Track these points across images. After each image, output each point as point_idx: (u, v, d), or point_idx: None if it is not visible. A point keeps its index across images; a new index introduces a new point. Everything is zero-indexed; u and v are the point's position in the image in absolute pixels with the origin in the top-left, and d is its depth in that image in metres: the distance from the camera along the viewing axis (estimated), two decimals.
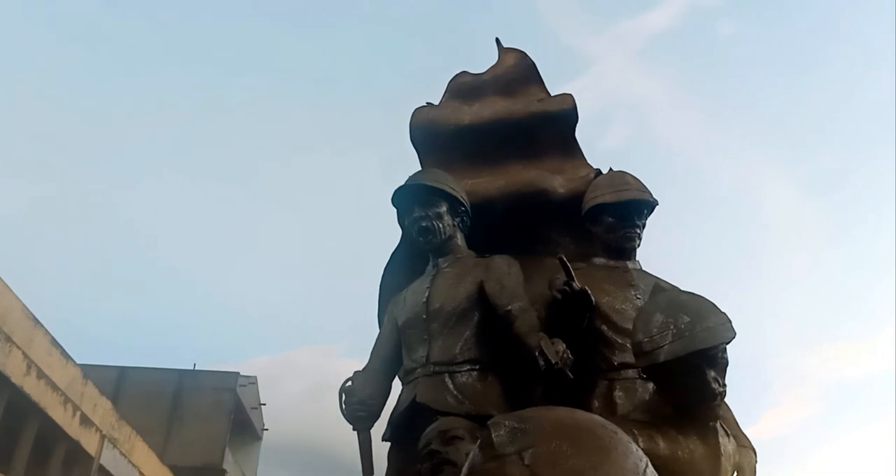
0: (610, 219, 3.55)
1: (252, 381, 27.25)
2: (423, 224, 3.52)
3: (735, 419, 3.19)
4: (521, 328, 3.07)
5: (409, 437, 3.15)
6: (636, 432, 2.24)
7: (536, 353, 2.78)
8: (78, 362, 14.62)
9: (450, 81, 4.55)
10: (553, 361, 2.70)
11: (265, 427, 28.92)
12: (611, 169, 3.83)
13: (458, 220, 3.61)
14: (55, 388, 13.50)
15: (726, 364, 2.46)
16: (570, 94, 4.23)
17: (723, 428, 2.55)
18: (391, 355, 3.50)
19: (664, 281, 3.44)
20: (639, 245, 3.61)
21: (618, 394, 3.13)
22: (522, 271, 3.43)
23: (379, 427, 3.42)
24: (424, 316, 3.37)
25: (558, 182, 3.89)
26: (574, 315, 3.04)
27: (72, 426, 14.09)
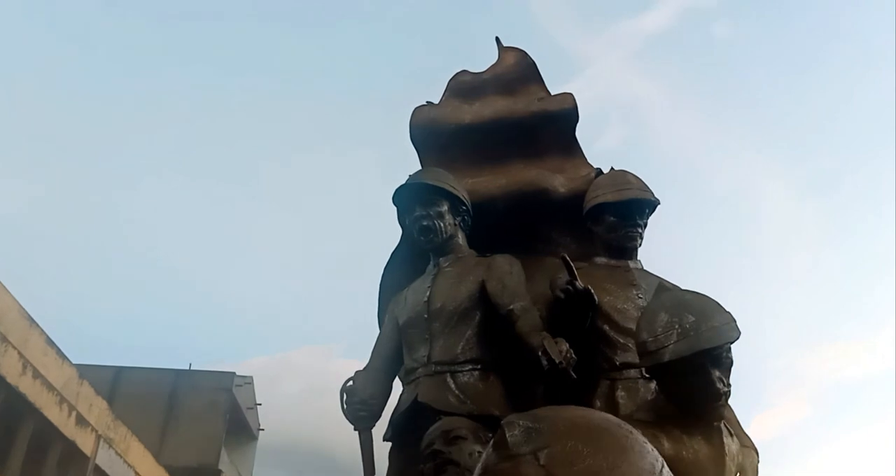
0: (611, 218, 3.53)
1: (248, 382, 27.20)
2: (425, 223, 3.50)
3: (737, 419, 3.18)
4: (523, 328, 3.06)
5: (410, 437, 3.13)
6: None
7: (539, 353, 2.77)
8: (74, 362, 14.57)
9: (450, 80, 4.54)
10: (557, 361, 2.68)
11: (261, 427, 28.87)
12: (612, 168, 3.82)
13: (459, 219, 3.60)
14: (51, 388, 13.46)
15: (731, 364, 2.45)
16: (571, 94, 4.22)
17: (727, 428, 2.55)
18: (392, 355, 3.48)
19: (667, 281, 3.43)
20: (640, 244, 3.60)
21: (620, 394, 3.12)
22: (524, 271, 3.41)
23: (380, 427, 3.40)
24: (426, 315, 3.35)
25: (559, 181, 3.88)
26: (577, 314, 3.03)
27: (67, 426, 14.05)
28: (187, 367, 26.54)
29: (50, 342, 13.65)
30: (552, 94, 4.31)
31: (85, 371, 15.38)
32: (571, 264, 2.93)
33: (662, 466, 1.28)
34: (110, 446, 15.74)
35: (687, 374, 2.37)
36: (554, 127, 4.13)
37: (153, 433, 21.45)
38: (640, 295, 3.37)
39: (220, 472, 23.84)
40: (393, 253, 3.90)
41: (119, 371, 24.31)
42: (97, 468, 15.12)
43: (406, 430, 3.22)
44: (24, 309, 12.84)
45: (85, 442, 14.70)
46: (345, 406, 3.33)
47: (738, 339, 2.40)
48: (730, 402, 2.66)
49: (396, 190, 3.63)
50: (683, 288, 3.08)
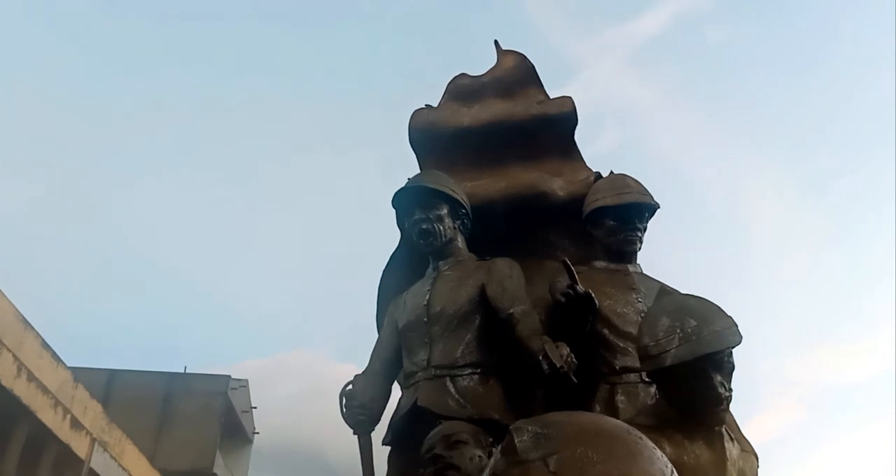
0: (611, 222, 3.53)
1: (243, 385, 27.13)
2: (424, 226, 3.49)
3: (736, 423, 3.17)
4: (523, 331, 3.05)
5: (409, 441, 3.12)
6: None
7: (540, 357, 2.76)
8: (69, 365, 14.52)
9: (449, 83, 4.53)
10: (558, 365, 2.68)
11: (256, 430, 28.79)
12: (611, 172, 3.82)
13: (458, 222, 3.59)
14: (46, 391, 13.41)
15: (732, 368, 2.44)
16: (570, 97, 4.22)
17: (728, 433, 2.54)
18: (391, 358, 3.47)
19: (666, 285, 3.43)
20: (640, 248, 3.59)
21: (620, 398, 3.11)
22: (523, 274, 3.40)
23: (379, 431, 3.39)
24: (425, 319, 3.34)
25: (558, 185, 3.88)
26: (577, 318, 3.02)
27: (62, 429, 13.99)
28: (182, 371, 26.49)
29: (45, 345, 13.60)
30: (551, 97, 4.31)
31: (80, 374, 15.32)
32: (572, 268, 2.93)
33: (672, 473, 1.27)
34: (105, 450, 15.68)
35: (688, 379, 2.36)
36: (553, 130, 4.13)
37: (148, 436, 21.38)
38: (639, 299, 3.37)
39: (214, 475, 23.77)
40: (392, 256, 3.89)
41: (114, 374, 24.22)
42: (92, 472, 15.06)
43: (405, 434, 3.21)
44: (19, 312, 12.80)
45: (79, 445, 14.64)
46: (344, 410, 3.31)
47: (739, 343, 2.40)
48: None
49: (396, 193, 3.62)
50: (682, 292, 3.08)
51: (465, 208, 3.61)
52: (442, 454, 2.72)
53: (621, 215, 3.52)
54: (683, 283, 3.43)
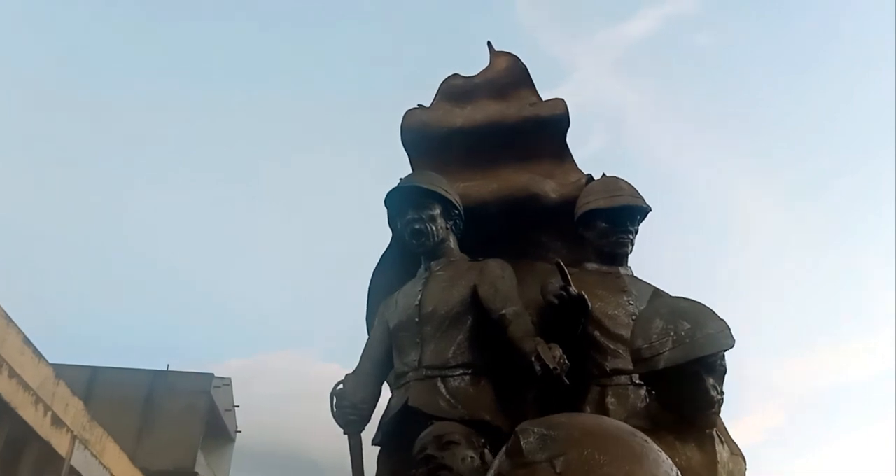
0: (603, 224, 3.54)
1: (226, 383, 27.01)
2: (417, 226, 3.49)
3: (725, 426, 3.19)
4: (515, 333, 3.05)
5: (400, 441, 3.11)
6: None
7: (533, 358, 2.76)
8: (51, 362, 14.40)
9: (441, 83, 4.53)
10: (551, 367, 2.68)
11: (238, 429, 28.67)
12: (603, 174, 3.83)
13: (451, 223, 3.59)
14: (27, 387, 13.29)
15: (724, 372, 2.46)
16: (562, 99, 4.23)
17: (718, 436, 2.55)
18: (382, 358, 3.45)
19: (658, 288, 3.44)
20: (631, 251, 3.61)
21: (610, 400, 3.11)
22: (515, 275, 3.40)
23: (368, 431, 3.38)
24: (417, 319, 3.34)
25: (550, 187, 3.88)
26: (570, 320, 3.02)
27: (43, 427, 13.87)
28: (165, 368, 26.33)
29: (27, 341, 13.47)
30: (543, 99, 4.32)
31: (61, 371, 15.20)
32: (565, 270, 2.93)
33: (677, 475, 1.28)
34: (86, 447, 15.55)
35: (681, 382, 2.37)
36: (545, 132, 4.13)
37: (129, 435, 21.23)
38: (630, 301, 3.38)
39: (196, 474, 23.64)
40: (383, 255, 3.88)
41: (96, 371, 24.06)
42: (72, 470, 14.93)
43: (396, 434, 3.20)
44: (1, 308, 12.68)
45: (60, 443, 14.52)
46: (334, 410, 3.30)
47: (732, 347, 2.41)
48: None
49: (388, 193, 3.61)
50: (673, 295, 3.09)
51: (457, 209, 3.61)
52: (434, 455, 2.71)
53: (613, 218, 3.53)
54: (670, 287, 3.45)
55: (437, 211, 3.53)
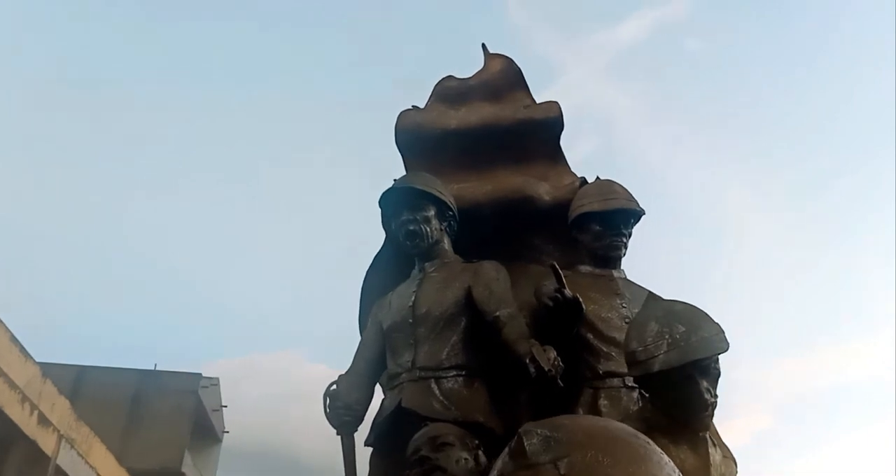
0: (597, 227, 3.55)
1: (214, 383, 26.87)
2: (411, 228, 3.49)
3: (716, 429, 3.20)
4: (509, 335, 3.06)
5: (393, 442, 3.11)
6: None
7: (527, 360, 2.77)
8: (38, 360, 14.30)
9: (436, 85, 4.53)
10: (546, 369, 2.68)
11: (226, 429, 28.55)
12: (598, 177, 3.84)
13: (445, 224, 3.59)
14: (13, 386, 13.18)
15: (718, 375, 2.47)
16: (556, 102, 4.24)
17: (711, 439, 2.57)
18: (375, 359, 3.45)
19: (651, 291, 3.45)
20: (625, 254, 3.62)
21: (603, 403, 3.13)
22: (509, 277, 3.41)
23: (361, 432, 3.37)
24: (411, 320, 3.34)
25: (544, 189, 3.89)
26: (564, 323, 3.03)
27: (29, 425, 13.75)
28: (153, 368, 26.19)
29: (14, 340, 13.37)
30: (537, 102, 4.33)
31: (48, 369, 15.08)
32: (560, 272, 2.93)
33: None
34: (72, 447, 15.44)
35: (676, 384, 2.38)
36: (539, 135, 4.15)
37: (116, 434, 21.08)
38: (623, 304, 3.39)
39: (182, 474, 23.51)
40: (376, 256, 3.88)
41: (83, 370, 23.88)
42: (58, 469, 14.82)
43: (389, 435, 3.20)
44: None
45: (46, 442, 14.40)
46: (328, 410, 3.29)
47: (727, 350, 2.43)
48: None
49: (383, 193, 3.61)
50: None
51: (452, 210, 3.61)
52: (428, 456, 2.71)
53: (607, 221, 3.54)
54: (663, 290, 3.46)
55: (432, 212, 3.53)
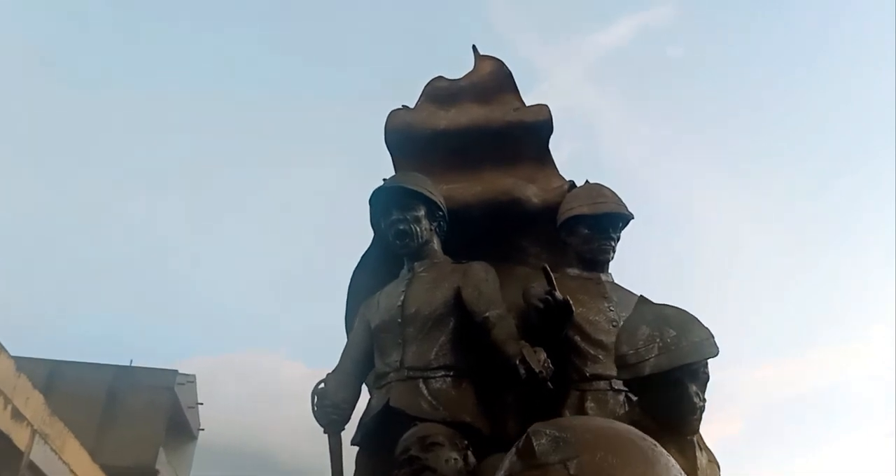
0: (586, 230, 3.57)
1: (191, 380, 26.67)
2: (401, 227, 3.49)
3: (700, 433, 3.23)
4: (499, 336, 3.07)
5: (380, 441, 3.12)
6: None
7: (517, 362, 2.78)
8: (12, 354, 14.14)
9: (426, 85, 4.53)
10: (537, 370, 2.69)
11: (201, 427, 28.36)
12: (587, 181, 3.86)
13: (435, 224, 3.59)
14: None
15: (707, 379, 2.49)
16: (546, 105, 4.26)
17: (698, 442, 2.59)
18: (363, 358, 3.45)
19: (642, 295, 3.47)
20: (612, 258, 3.64)
21: (589, 405, 3.14)
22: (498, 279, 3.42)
23: (348, 431, 3.37)
24: (399, 320, 3.34)
25: (533, 192, 3.91)
26: (554, 325, 3.04)
27: (2, 420, 13.60)
28: (128, 364, 25.96)
29: None
30: (526, 104, 4.34)
31: (23, 364, 14.90)
32: (551, 275, 2.95)
33: None
34: (46, 442, 15.27)
35: (665, 388, 2.40)
36: (528, 137, 4.16)
37: (90, 430, 20.85)
38: (611, 307, 3.41)
39: (157, 471, 23.32)
40: (364, 255, 3.88)
41: (57, 365, 23.60)
42: (31, 464, 14.66)
43: (376, 434, 3.20)
44: None
45: (20, 437, 14.24)
46: (316, 409, 3.29)
47: (716, 355, 2.45)
48: None
49: (374, 192, 3.61)
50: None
51: (442, 211, 3.62)
52: (418, 456, 2.71)
53: (596, 224, 3.56)
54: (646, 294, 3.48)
55: (422, 212, 3.53)
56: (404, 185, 3.57)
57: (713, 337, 2.47)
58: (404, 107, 4.39)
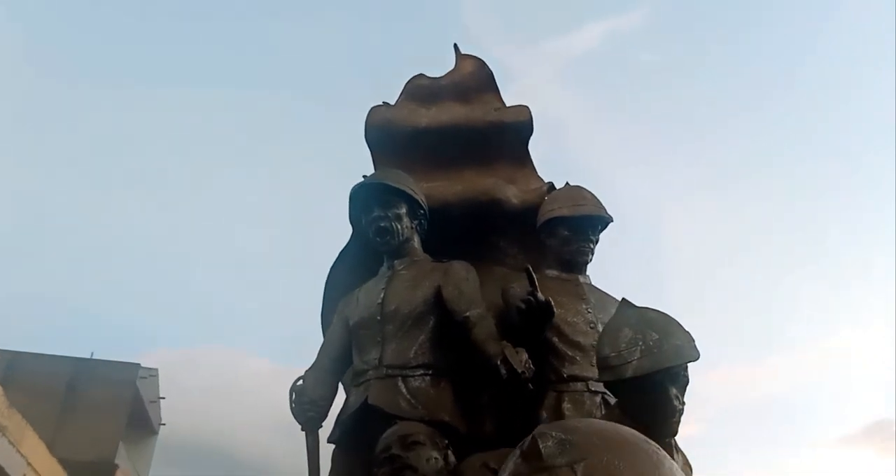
0: (566, 232, 3.59)
1: (153, 374, 26.31)
2: (382, 224, 3.48)
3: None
4: (479, 335, 3.07)
5: (358, 439, 3.11)
6: None
7: (499, 362, 2.78)
8: None
9: (407, 83, 4.53)
10: (519, 371, 2.70)
11: (162, 422, 28.03)
12: (567, 183, 3.88)
13: (416, 222, 3.59)
14: None
15: (687, 382, 2.52)
16: (527, 107, 4.28)
17: (674, 445, 2.62)
18: (340, 356, 3.43)
19: (624, 297, 3.50)
20: (591, 260, 3.66)
21: (566, 406, 3.15)
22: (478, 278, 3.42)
23: (325, 428, 3.35)
24: (379, 317, 3.32)
25: (512, 192, 3.93)
26: (535, 326, 3.05)
27: None
28: (89, 356, 25.57)
29: None
30: (507, 105, 4.35)
31: None
32: (534, 276, 2.96)
33: None
34: (3, 435, 14.99)
35: (646, 390, 2.42)
36: (508, 138, 4.18)
37: (49, 423, 20.52)
38: (589, 309, 3.43)
39: (116, 466, 23.00)
40: (342, 251, 3.86)
41: (16, 357, 23.15)
42: None
43: (354, 432, 3.19)
44: None
45: None
46: (293, 406, 3.27)
47: (697, 358, 2.48)
48: None
49: (355, 188, 3.59)
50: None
51: (423, 209, 3.61)
52: (399, 454, 2.70)
53: (576, 226, 3.58)
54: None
55: (404, 210, 3.52)
56: (387, 182, 3.56)
57: (694, 341, 2.50)
58: (385, 103, 4.38)
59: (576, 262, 3.60)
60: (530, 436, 1.40)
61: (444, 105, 4.33)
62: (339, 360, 3.43)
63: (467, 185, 3.93)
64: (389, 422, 2.93)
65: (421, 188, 3.73)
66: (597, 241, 3.67)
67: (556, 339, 3.29)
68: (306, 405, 3.25)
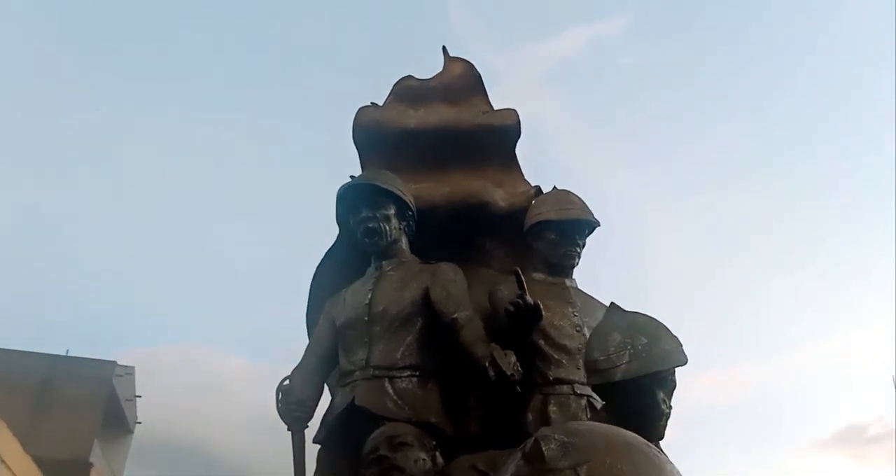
0: (553, 236, 3.61)
1: (129, 372, 26.10)
2: (370, 225, 3.48)
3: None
4: (468, 337, 3.08)
5: (343, 440, 3.10)
6: None
7: (487, 364, 2.79)
8: None
9: (395, 84, 4.53)
10: (508, 373, 2.71)
11: (138, 420, 27.81)
12: (555, 187, 3.90)
13: (404, 224, 3.59)
14: None
15: (674, 387, 2.55)
16: (515, 110, 4.29)
17: (659, 448, 2.64)
18: (327, 356, 3.42)
19: (613, 301, 3.52)
20: (577, 264, 3.68)
21: (552, 408, 3.17)
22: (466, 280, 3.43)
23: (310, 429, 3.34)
24: (366, 318, 3.32)
25: (500, 195, 3.94)
26: (523, 329, 3.06)
27: None
28: (64, 353, 25.32)
29: None
30: (495, 108, 4.37)
31: None
32: (523, 279, 2.97)
33: None
34: None
35: (634, 394, 2.45)
36: (496, 141, 4.19)
37: (23, 421, 20.29)
38: (575, 313, 3.45)
39: (90, 464, 22.78)
40: (328, 252, 3.85)
41: None
42: None
43: (340, 433, 3.18)
44: None
45: None
46: (280, 406, 3.26)
47: (685, 363, 2.50)
48: None
49: (343, 188, 3.58)
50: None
51: (411, 210, 3.61)
52: (386, 455, 2.70)
53: (563, 230, 3.60)
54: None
55: (392, 211, 3.52)
56: (376, 182, 3.56)
57: (682, 345, 2.53)
58: (373, 104, 4.37)
59: (563, 266, 3.62)
60: (532, 438, 1.40)
61: (433, 107, 4.34)
62: (325, 360, 3.42)
63: (455, 187, 3.93)
64: (376, 423, 2.93)
65: (409, 189, 3.73)
66: (584, 245, 3.69)
67: (542, 342, 3.30)
68: (293, 405, 3.24)
